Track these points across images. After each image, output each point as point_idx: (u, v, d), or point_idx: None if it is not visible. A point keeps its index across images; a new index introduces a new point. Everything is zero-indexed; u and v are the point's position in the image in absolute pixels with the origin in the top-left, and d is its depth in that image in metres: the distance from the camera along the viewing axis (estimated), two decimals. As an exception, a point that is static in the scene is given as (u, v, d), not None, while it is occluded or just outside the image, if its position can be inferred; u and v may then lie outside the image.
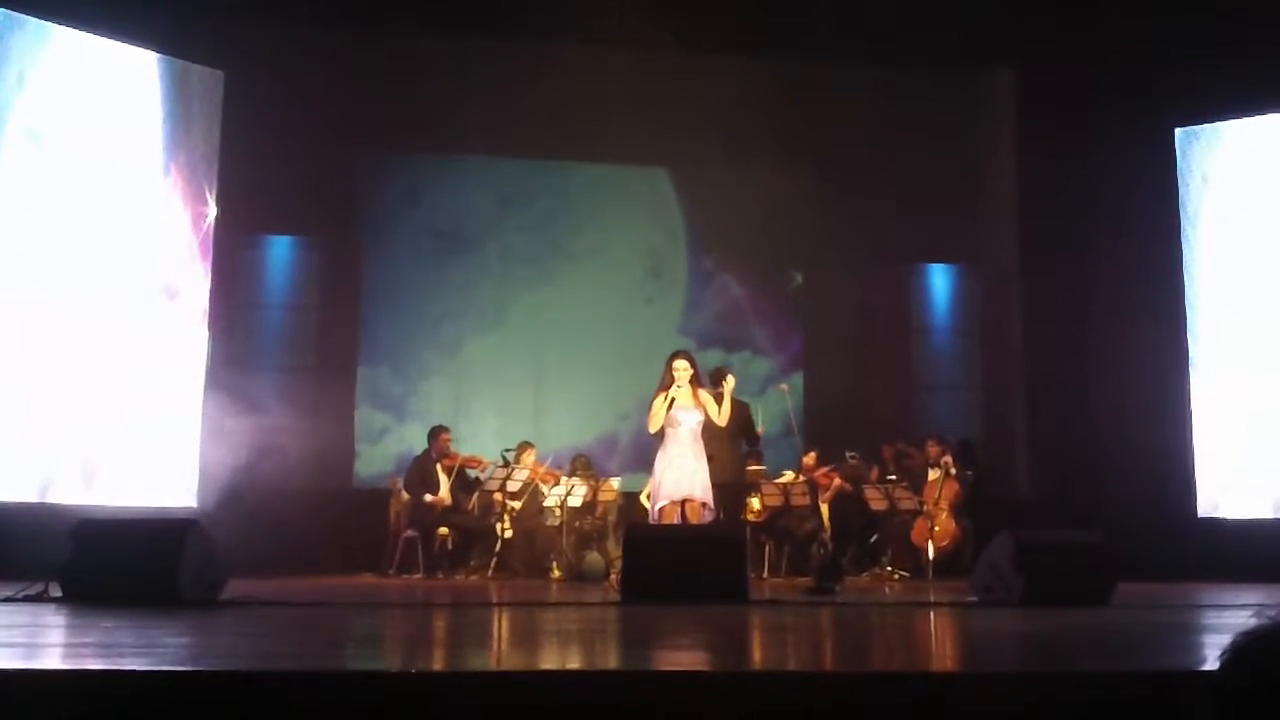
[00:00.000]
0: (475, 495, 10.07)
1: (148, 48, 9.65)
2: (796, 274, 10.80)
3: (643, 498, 9.66)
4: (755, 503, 10.10)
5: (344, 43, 10.76)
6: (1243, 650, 1.23)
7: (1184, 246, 10.69)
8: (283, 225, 11.04)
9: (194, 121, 9.96)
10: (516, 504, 9.87)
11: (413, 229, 11.73)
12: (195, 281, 9.91)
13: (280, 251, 11.27)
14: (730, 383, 8.23)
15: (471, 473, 10.07)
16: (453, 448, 10.05)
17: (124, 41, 9.48)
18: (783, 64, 11.50)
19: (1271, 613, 1.26)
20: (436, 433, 10.00)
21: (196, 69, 9.99)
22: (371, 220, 11.70)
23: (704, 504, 7.87)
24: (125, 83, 9.49)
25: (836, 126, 11.57)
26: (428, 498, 9.72)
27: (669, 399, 7.89)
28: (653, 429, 8.03)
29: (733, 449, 8.85)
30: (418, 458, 9.98)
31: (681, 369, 7.97)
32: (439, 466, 9.87)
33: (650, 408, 8.02)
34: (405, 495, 9.89)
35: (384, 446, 11.36)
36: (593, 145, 11.50)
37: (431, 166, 11.87)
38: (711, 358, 11.46)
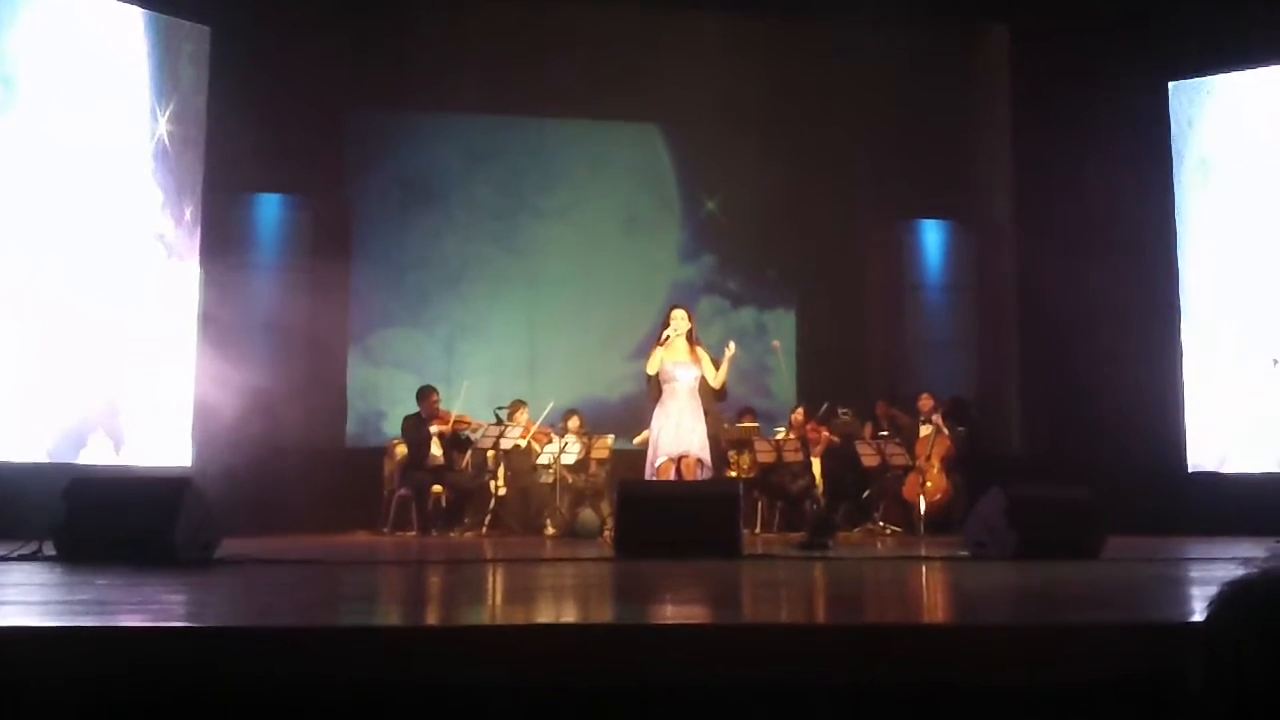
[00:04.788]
0: (469, 454, 10.09)
1: (132, 3, 9.53)
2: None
3: (636, 441, 9.67)
4: (744, 460, 10.15)
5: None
6: (1229, 599, 1.23)
7: (1178, 201, 10.67)
8: (272, 183, 10.97)
9: (182, 78, 9.85)
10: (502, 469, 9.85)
11: (402, 186, 11.68)
12: (186, 239, 9.85)
13: (270, 210, 11.21)
14: (731, 349, 8.19)
15: (462, 430, 10.07)
16: (442, 406, 10.04)
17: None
18: (775, 20, 11.42)
19: (1259, 563, 1.27)
20: (425, 393, 9.99)
21: (182, 24, 9.87)
22: (362, 178, 11.64)
23: (699, 460, 7.90)
24: (108, 37, 9.36)
25: (829, 82, 11.50)
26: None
27: (665, 339, 7.94)
28: (650, 371, 8.10)
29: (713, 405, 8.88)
30: (407, 420, 9.96)
31: (678, 318, 7.99)
32: (431, 427, 9.86)
33: (650, 353, 8.11)
34: (401, 452, 9.88)
35: (377, 404, 11.36)
36: (594, 102, 11.44)
37: (422, 123, 11.78)
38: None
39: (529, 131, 11.93)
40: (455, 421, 9.94)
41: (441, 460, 9.89)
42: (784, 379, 11.26)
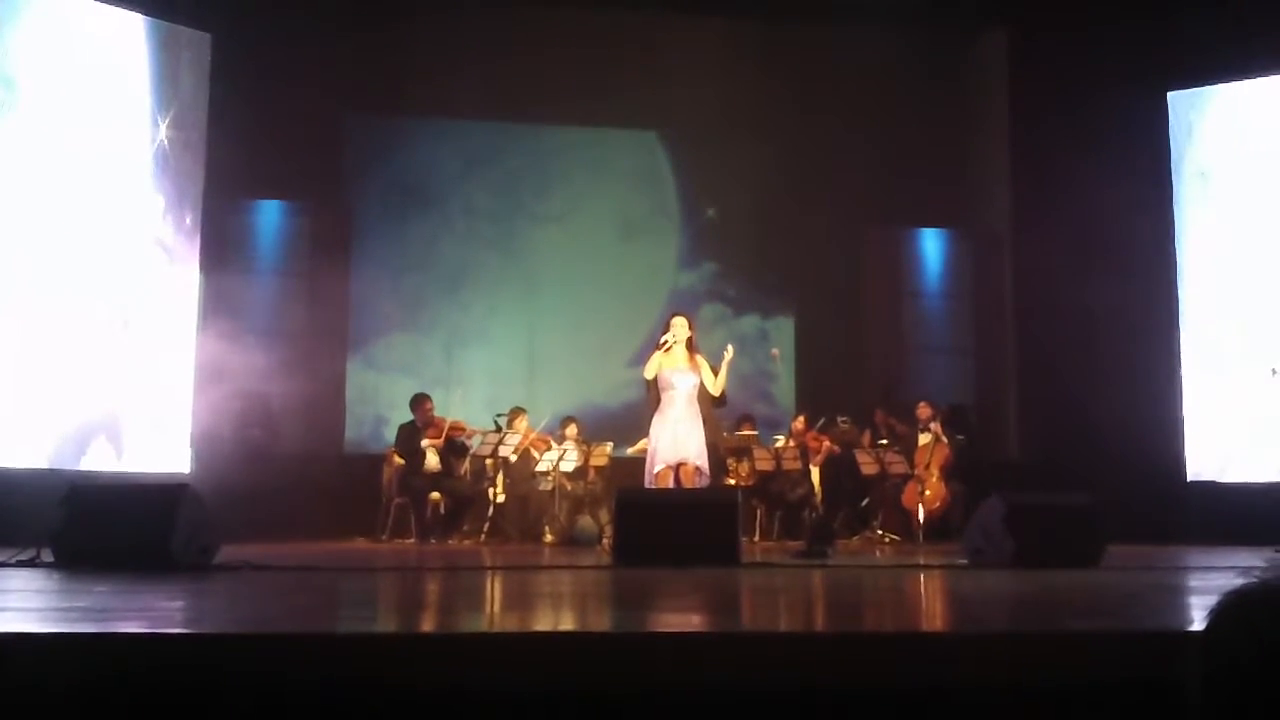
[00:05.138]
0: (467, 460, 10.08)
1: (132, 9, 9.54)
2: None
3: (632, 451, 9.67)
4: (743, 468, 10.15)
5: (330, 3, 10.64)
6: (1228, 609, 1.23)
7: (1176, 210, 10.68)
8: (272, 189, 10.98)
9: (182, 84, 9.86)
10: (500, 474, 9.84)
11: (401, 192, 11.68)
12: (187, 245, 9.85)
13: (270, 216, 11.21)
14: (729, 353, 8.21)
15: (457, 434, 10.04)
16: (436, 414, 10.01)
17: (108, 3, 9.36)
18: (774, 25, 11.44)
19: (1258, 572, 1.27)
20: (419, 401, 9.95)
21: (183, 31, 9.88)
22: (361, 183, 11.65)
23: (698, 468, 7.90)
24: (109, 44, 9.37)
25: (828, 88, 11.52)
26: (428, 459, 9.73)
27: (665, 346, 7.95)
28: (646, 376, 8.15)
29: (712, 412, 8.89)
30: (402, 429, 9.95)
31: (678, 325, 8.00)
32: (425, 437, 9.84)
33: (649, 356, 8.13)
34: (399, 461, 9.87)
35: (376, 411, 11.36)
36: (592, 108, 11.46)
37: (421, 128, 11.79)
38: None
39: (527, 137, 11.93)
40: (450, 427, 9.91)
41: (439, 468, 9.86)
42: (784, 385, 11.29)
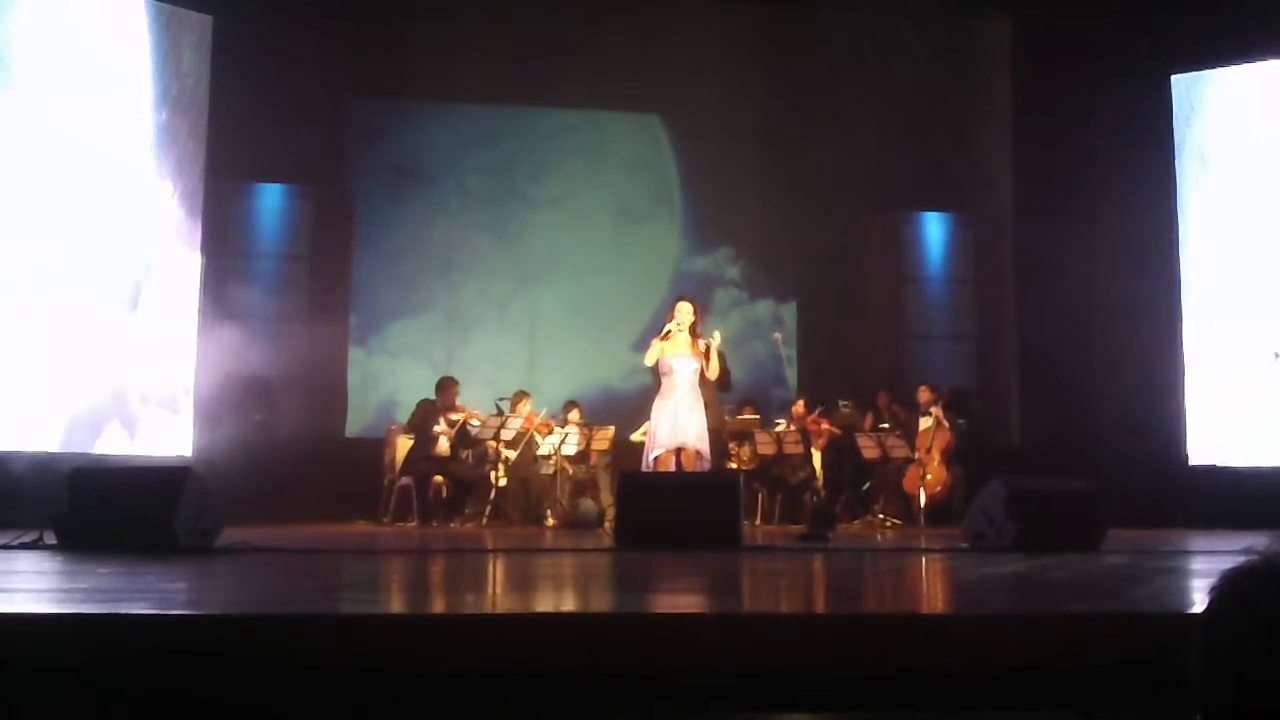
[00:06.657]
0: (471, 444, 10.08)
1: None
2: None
3: (636, 436, 9.67)
4: (744, 452, 10.16)
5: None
6: (1230, 586, 1.24)
7: (1179, 194, 10.65)
8: (273, 172, 10.95)
9: (184, 67, 9.83)
10: (512, 453, 9.87)
11: (404, 176, 11.64)
12: (189, 228, 9.83)
13: (271, 199, 11.19)
14: (717, 338, 8.21)
15: (472, 427, 10.03)
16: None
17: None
18: (776, 9, 11.40)
19: (1260, 548, 1.27)
20: (446, 384, 9.92)
21: (184, 14, 9.85)
22: (363, 167, 11.61)
23: (699, 452, 7.91)
24: (111, 26, 9.33)
25: (831, 73, 11.48)
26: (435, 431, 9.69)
27: (665, 332, 7.96)
28: (646, 363, 8.17)
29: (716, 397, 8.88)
30: (422, 404, 9.93)
31: (683, 311, 8.00)
32: (443, 419, 9.83)
33: (650, 342, 8.13)
34: (409, 439, 9.83)
35: (378, 394, 11.36)
36: (596, 91, 11.43)
37: (424, 111, 11.75)
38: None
39: (532, 119, 11.88)
40: (467, 418, 9.89)
41: (448, 452, 9.85)
42: (783, 369, 11.29)
